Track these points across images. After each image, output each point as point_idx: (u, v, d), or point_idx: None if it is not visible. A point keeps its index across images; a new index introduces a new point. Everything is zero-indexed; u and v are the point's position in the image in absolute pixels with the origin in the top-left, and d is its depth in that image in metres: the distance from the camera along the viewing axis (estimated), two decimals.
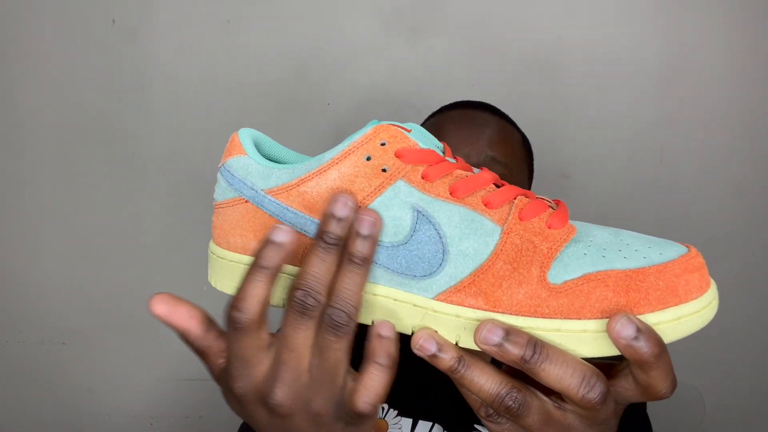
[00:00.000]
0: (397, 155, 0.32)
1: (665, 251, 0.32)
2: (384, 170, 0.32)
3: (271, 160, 0.39)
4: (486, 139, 0.63)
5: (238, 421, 1.03)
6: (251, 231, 0.35)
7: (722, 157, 0.96)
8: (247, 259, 0.34)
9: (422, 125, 0.70)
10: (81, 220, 0.97)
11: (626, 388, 0.32)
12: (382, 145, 0.33)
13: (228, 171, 0.36)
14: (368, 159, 0.32)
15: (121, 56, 0.95)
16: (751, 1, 0.93)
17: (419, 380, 0.63)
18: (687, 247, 0.34)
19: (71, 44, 0.95)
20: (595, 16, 0.94)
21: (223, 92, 0.95)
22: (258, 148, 0.39)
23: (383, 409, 0.63)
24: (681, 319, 0.31)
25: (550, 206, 0.34)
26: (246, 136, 0.38)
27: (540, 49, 0.94)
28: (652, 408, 0.71)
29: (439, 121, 0.68)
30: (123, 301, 0.99)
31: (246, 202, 0.35)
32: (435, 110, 0.73)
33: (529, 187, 0.70)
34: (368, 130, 0.33)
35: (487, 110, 0.69)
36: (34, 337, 1.00)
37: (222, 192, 0.37)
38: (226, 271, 0.37)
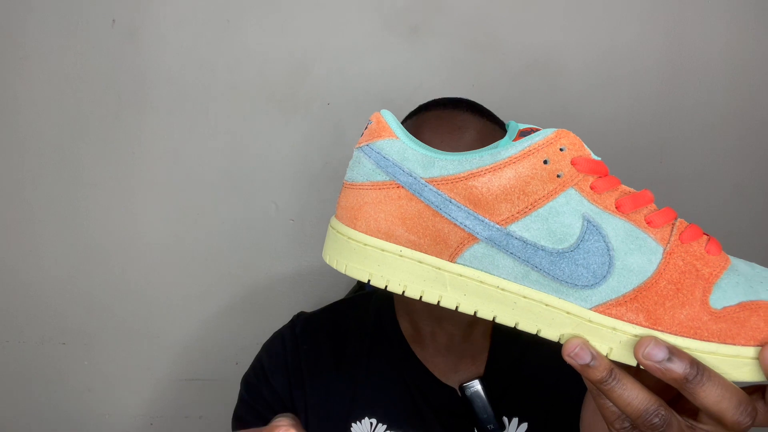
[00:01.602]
0: (573, 163, 0.33)
1: None
2: (558, 176, 0.32)
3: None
4: (465, 146, 0.59)
5: None
6: (400, 218, 0.34)
7: (722, 157, 0.96)
8: (389, 246, 0.34)
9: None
10: (81, 220, 0.97)
11: (760, 412, 0.33)
12: (561, 150, 0.32)
13: (378, 153, 0.35)
14: (546, 162, 0.32)
15: (121, 56, 0.95)
16: (751, 1, 0.93)
17: (409, 394, 0.63)
18: None
19: (71, 44, 0.95)
20: (595, 15, 0.94)
21: (223, 92, 0.95)
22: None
23: (372, 424, 0.62)
24: None
25: (704, 233, 0.35)
26: (391, 117, 0.36)
27: (540, 48, 0.94)
28: None
29: (416, 123, 0.63)
30: (123, 301, 0.99)
31: (399, 187, 0.34)
32: (413, 110, 0.68)
33: None
34: (550, 133, 0.32)
35: (466, 109, 0.63)
36: (34, 337, 1.00)
37: (365, 173, 0.36)
38: (358, 254, 0.35)
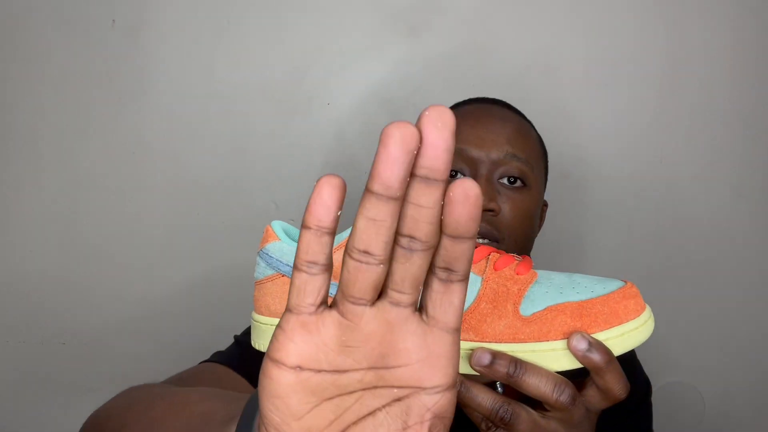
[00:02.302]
0: None
1: (607, 285, 0.42)
2: None
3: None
4: (506, 135, 0.62)
5: None
6: (285, 299, 0.43)
7: (722, 157, 0.96)
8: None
9: None
10: (81, 220, 0.97)
11: (592, 395, 0.40)
12: None
13: (266, 254, 0.44)
14: None
15: (121, 56, 0.95)
16: (751, 1, 0.93)
17: None
18: (624, 281, 0.42)
19: (71, 44, 0.95)
20: (596, 16, 0.94)
21: (223, 92, 0.95)
22: (288, 235, 0.48)
23: None
24: (624, 335, 0.40)
25: (516, 259, 0.43)
26: (278, 226, 0.46)
27: (540, 48, 0.94)
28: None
29: (457, 114, 0.65)
30: (123, 301, 0.99)
31: (282, 276, 0.43)
32: (449, 106, 0.71)
33: (544, 185, 0.69)
34: None
35: (504, 106, 0.68)
36: (34, 337, 1.00)
37: (262, 271, 0.45)
38: (266, 333, 0.45)
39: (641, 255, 0.97)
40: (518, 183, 0.61)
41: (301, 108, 0.96)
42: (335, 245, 0.42)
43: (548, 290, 0.41)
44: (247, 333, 0.70)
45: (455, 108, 0.69)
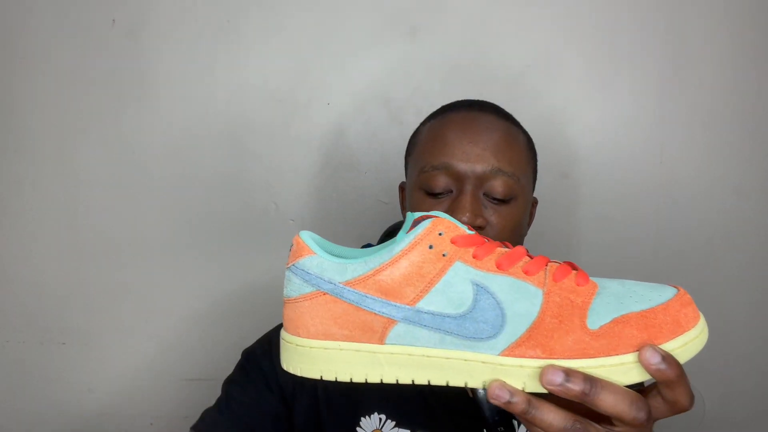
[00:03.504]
0: (452, 242, 0.40)
1: (663, 293, 0.40)
2: (444, 255, 0.39)
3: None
4: (492, 148, 0.60)
5: None
6: (331, 318, 0.41)
7: (722, 157, 0.96)
8: (329, 344, 0.41)
9: (423, 126, 0.68)
10: (81, 219, 0.97)
11: (657, 407, 0.39)
12: (440, 234, 0.40)
13: (302, 270, 0.42)
14: (431, 247, 0.40)
15: (121, 56, 0.95)
16: (751, 1, 0.93)
17: (420, 392, 0.62)
18: (676, 287, 0.41)
19: (71, 44, 0.95)
20: (596, 16, 0.94)
21: (223, 92, 0.95)
22: (321, 247, 0.45)
23: (381, 420, 0.62)
24: (687, 345, 0.39)
25: (573, 268, 0.42)
26: (309, 239, 0.43)
27: (540, 48, 0.94)
28: None
29: (441, 125, 0.64)
30: (123, 301, 0.99)
31: (324, 294, 0.41)
32: (436, 109, 0.70)
33: (533, 186, 0.68)
34: (428, 224, 0.40)
35: (491, 112, 0.65)
36: (34, 337, 1.00)
37: (296, 288, 0.42)
38: (307, 357, 0.42)
39: (641, 255, 0.97)
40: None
41: (301, 108, 0.96)
42: (369, 269, 0.40)
43: (609, 301, 0.39)
44: (241, 383, 0.69)
45: (442, 113, 0.66)
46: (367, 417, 0.63)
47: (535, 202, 0.71)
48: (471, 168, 0.59)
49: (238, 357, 1.04)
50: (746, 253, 0.97)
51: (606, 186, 0.96)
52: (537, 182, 0.71)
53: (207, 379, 1.00)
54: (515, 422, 0.59)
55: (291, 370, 0.43)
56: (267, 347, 0.70)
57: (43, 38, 0.95)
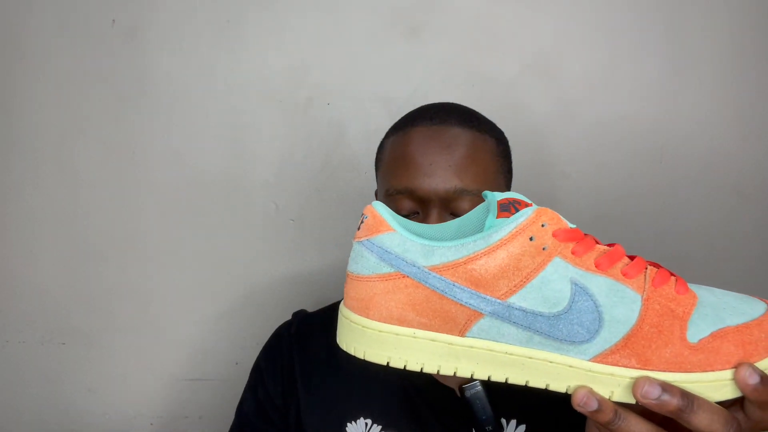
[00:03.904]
0: (554, 235, 0.37)
1: (755, 307, 0.39)
2: (544, 248, 0.36)
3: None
4: (455, 166, 0.57)
5: None
6: (410, 304, 0.37)
7: (722, 157, 0.96)
8: (403, 330, 0.38)
9: (386, 139, 0.66)
10: (81, 220, 0.97)
11: (744, 422, 0.38)
12: (543, 226, 0.37)
13: (380, 247, 0.38)
14: (532, 239, 0.36)
15: (121, 56, 0.95)
16: (751, 1, 0.93)
17: (406, 394, 0.62)
18: (763, 300, 0.40)
19: (71, 44, 0.95)
20: (595, 16, 0.94)
21: (223, 92, 0.95)
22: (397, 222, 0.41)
23: (367, 424, 0.62)
24: None
25: (672, 274, 0.40)
26: (384, 210, 0.39)
27: (540, 48, 0.94)
28: None
29: (402, 143, 0.61)
30: (123, 301, 0.99)
31: (405, 277, 0.37)
32: (400, 119, 0.66)
33: (508, 188, 0.66)
34: (532, 213, 0.37)
35: (455, 123, 0.61)
36: (34, 337, 1.00)
37: (370, 266, 0.38)
38: (375, 341, 0.38)
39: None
40: None
41: (301, 108, 0.96)
42: (440, 261, 0.37)
43: (707, 313, 0.37)
44: (253, 413, 0.70)
45: (404, 126, 0.63)
46: (353, 422, 0.62)
47: None
48: (434, 190, 0.57)
49: (238, 357, 1.04)
50: (746, 253, 0.97)
51: (606, 186, 0.96)
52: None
53: (207, 379, 1.00)
54: (504, 421, 0.59)
55: (352, 352, 0.39)
56: (258, 373, 0.71)
57: (43, 38, 0.95)
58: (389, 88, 0.95)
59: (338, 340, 0.41)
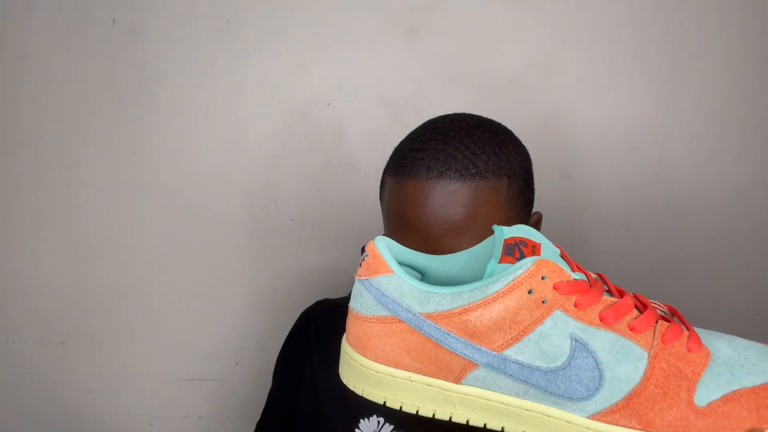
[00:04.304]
0: (555, 288, 0.35)
1: None
2: (544, 302, 0.35)
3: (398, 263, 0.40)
4: (451, 231, 0.53)
5: (238, 422, 1.03)
6: (405, 349, 0.37)
7: (722, 157, 0.96)
8: (399, 372, 0.37)
9: (386, 175, 0.60)
10: (81, 220, 0.97)
11: None
12: (543, 279, 0.35)
13: (377, 289, 0.37)
14: (530, 292, 0.35)
15: (121, 56, 0.95)
16: (751, 1, 0.93)
17: None
18: None
19: (71, 44, 0.95)
20: (595, 16, 0.94)
21: (223, 92, 0.95)
22: (395, 256, 0.40)
23: (379, 423, 0.62)
24: None
25: (686, 326, 0.37)
26: (385, 249, 0.38)
27: (540, 48, 0.94)
28: None
29: (398, 197, 0.56)
30: (123, 301, 0.99)
31: (401, 322, 0.36)
32: (397, 153, 0.59)
33: (530, 210, 0.61)
34: (531, 265, 0.35)
35: (453, 173, 0.54)
36: (34, 337, 1.00)
37: (368, 307, 0.38)
38: (372, 380, 0.38)
39: (641, 255, 0.97)
40: None
41: (301, 108, 0.96)
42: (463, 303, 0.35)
43: (721, 372, 0.35)
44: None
45: (399, 172, 0.57)
46: (366, 419, 0.63)
47: (539, 218, 0.66)
48: (431, 251, 0.53)
49: (238, 357, 1.04)
50: (747, 253, 0.97)
51: (606, 186, 0.96)
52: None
53: (207, 379, 1.00)
54: None
55: (351, 388, 0.39)
56: (283, 356, 0.72)
57: (43, 38, 0.95)
58: (389, 88, 0.95)
59: (339, 372, 0.41)
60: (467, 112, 0.65)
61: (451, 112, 0.65)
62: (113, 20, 0.94)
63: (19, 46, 0.95)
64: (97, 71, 0.95)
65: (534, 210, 0.63)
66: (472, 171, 0.54)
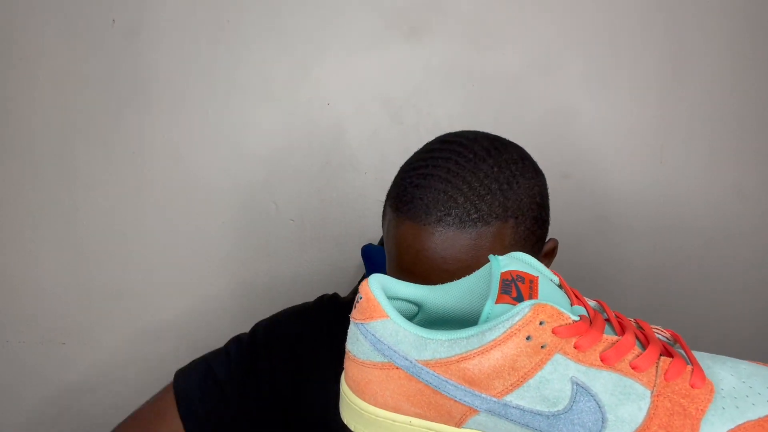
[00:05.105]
0: (554, 332, 0.34)
1: None
2: (543, 347, 0.34)
3: (390, 297, 0.40)
4: (449, 273, 0.51)
5: None
6: (403, 395, 0.37)
7: (722, 157, 0.96)
8: (398, 417, 0.37)
9: (387, 206, 0.57)
10: (81, 220, 0.97)
11: None
12: (541, 324, 0.34)
13: (373, 335, 0.36)
14: (528, 339, 0.34)
15: (121, 56, 0.95)
16: (750, 1, 0.93)
17: None
18: None
19: (71, 44, 0.95)
20: (595, 16, 0.94)
21: (223, 92, 0.95)
22: (387, 293, 0.39)
23: None
24: None
25: (689, 359, 0.36)
26: (379, 291, 0.37)
27: (540, 48, 0.94)
28: None
29: (396, 234, 0.54)
30: (123, 301, 0.99)
31: (398, 368, 0.36)
32: (397, 186, 0.56)
33: (544, 240, 0.58)
34: (528, 311, 0.34)
35: (452, 219, 0.51)
36: (34, 337, 1.00)
37: (365, 352, 0.37)
38: (372, 424, 0.38)
39: (641, 255, 0.97)
40: None
41: (301, 108, 0.96)
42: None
43: (725, 406, 0.34)
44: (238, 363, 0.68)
45: (398, 207, 0.54)
46: None
47: (553, 246, 0.62)
48: (445, 271, 0.52)
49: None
50: (746, 253, 0.97)
51: (606, 186, 0.96)
52: None
53: None
54: None
55: (353, 428, 0.39)
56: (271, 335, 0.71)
57: (43, 38, 0.95)
58: (389, 88, 0.95)
59: (340, 411, 0.40)
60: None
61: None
62: (113, 20, 0.94)
63: (19, 46, 0.95)
64: (97, 71, 0.95)
65: (549, 237, 0.60)
66: (474, 217, 0.51)
